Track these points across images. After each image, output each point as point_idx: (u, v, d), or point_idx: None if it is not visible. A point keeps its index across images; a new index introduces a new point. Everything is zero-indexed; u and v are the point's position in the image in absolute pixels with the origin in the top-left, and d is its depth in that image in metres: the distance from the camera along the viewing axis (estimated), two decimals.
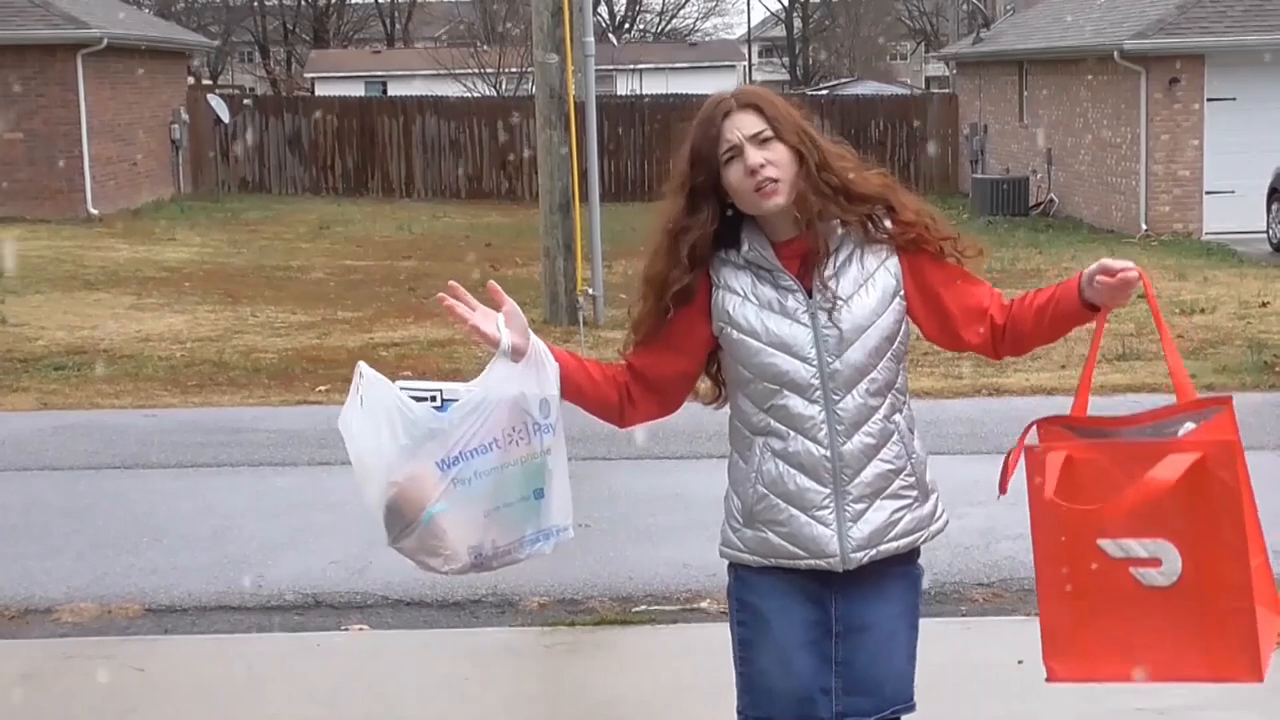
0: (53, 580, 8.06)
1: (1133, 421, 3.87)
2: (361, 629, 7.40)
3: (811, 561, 3.76)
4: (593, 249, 17.63)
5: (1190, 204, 26.35)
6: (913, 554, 3.91)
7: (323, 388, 13.68)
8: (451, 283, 3.74)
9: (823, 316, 3.71)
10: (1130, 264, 3.69)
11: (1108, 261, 3.74)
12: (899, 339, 3.81)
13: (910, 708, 3.90)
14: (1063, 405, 13.35)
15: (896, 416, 3.81)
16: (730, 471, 3.90)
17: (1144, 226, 26.37)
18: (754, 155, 3.66)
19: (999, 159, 34.66)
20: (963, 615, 7.46)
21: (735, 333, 3.76)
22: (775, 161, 3.67)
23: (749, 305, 3.75)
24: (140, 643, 7.18)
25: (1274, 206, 24.02)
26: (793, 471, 3.75)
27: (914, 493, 3.85)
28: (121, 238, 26.59)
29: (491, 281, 3.80)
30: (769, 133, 3.69)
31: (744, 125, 3.70)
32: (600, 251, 17.71)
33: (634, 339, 3.91)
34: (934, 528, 3.94)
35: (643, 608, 7.56)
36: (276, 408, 12.91)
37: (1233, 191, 25.53)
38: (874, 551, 3.77)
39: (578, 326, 16.04)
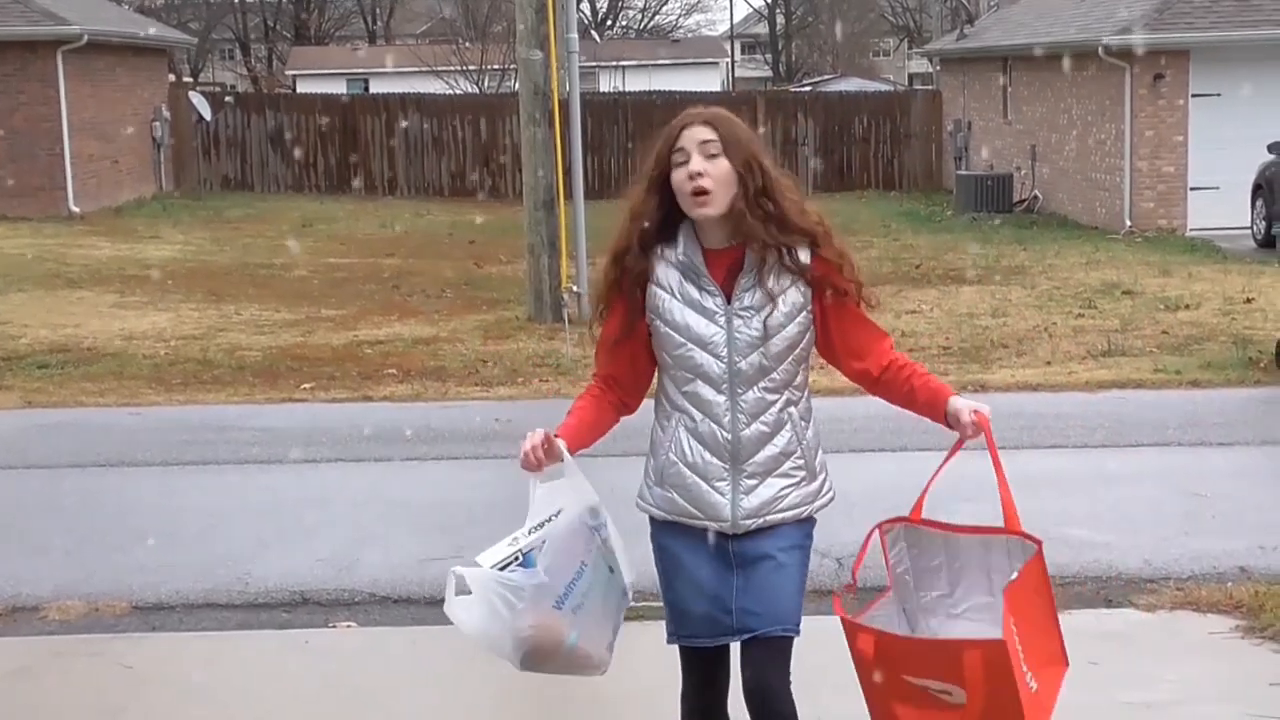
0: (40, 578, 8.05)
1: (962, 530, 4.57)
2: (349, 626, 7.39)
3: (706, 523, 4.36)
4: (577, 246, 17.63)
5: (1175, 200, 26.39)
6: (804, 521, 4.43)
7: (307, 385, 13.68)
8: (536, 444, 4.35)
9: (737, 321, 4.27)
10: (974, 420, 4.40)
11: (961, 414, 4.40)
12: (801, 346, 4.35)
13: (795, 632, 4.37)
14: (1048, 401, 13.30)
15: (791, 409, 4.37)
16: (652, 436, 4.47)
17: (1128, 222, 26.41)
18: (696, 162, 4.22)
19: (983, 156, 34.69)
20: None
21: (662, 325, 4.33)
22: (713, 175, 4.22)
23: (675, 301, 4.31)
24: (128, 640, 7.16)
25: (1258, 202, 24.07)
26: (699, 447, 4.34)
27: (801, 473, 4.39)
28: (104, 236, 26.55)
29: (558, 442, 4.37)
30: (717, 148, 4.24)
31: (697, 134, 4.27)
32: (585, 248, 17.71)
33: (600, 316, 4.48)
34: (819, 502, 4.46)
35: (631, 604, 7.55)
36: (261, 405, 12.90)
37: (1217, 188, 25.58)
38: (761, 520, 4.34)
39: (562, 324, 16.03)
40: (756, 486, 4.34)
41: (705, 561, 4.39)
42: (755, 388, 4.30)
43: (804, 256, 4.30)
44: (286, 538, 8.89)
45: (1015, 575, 4.24)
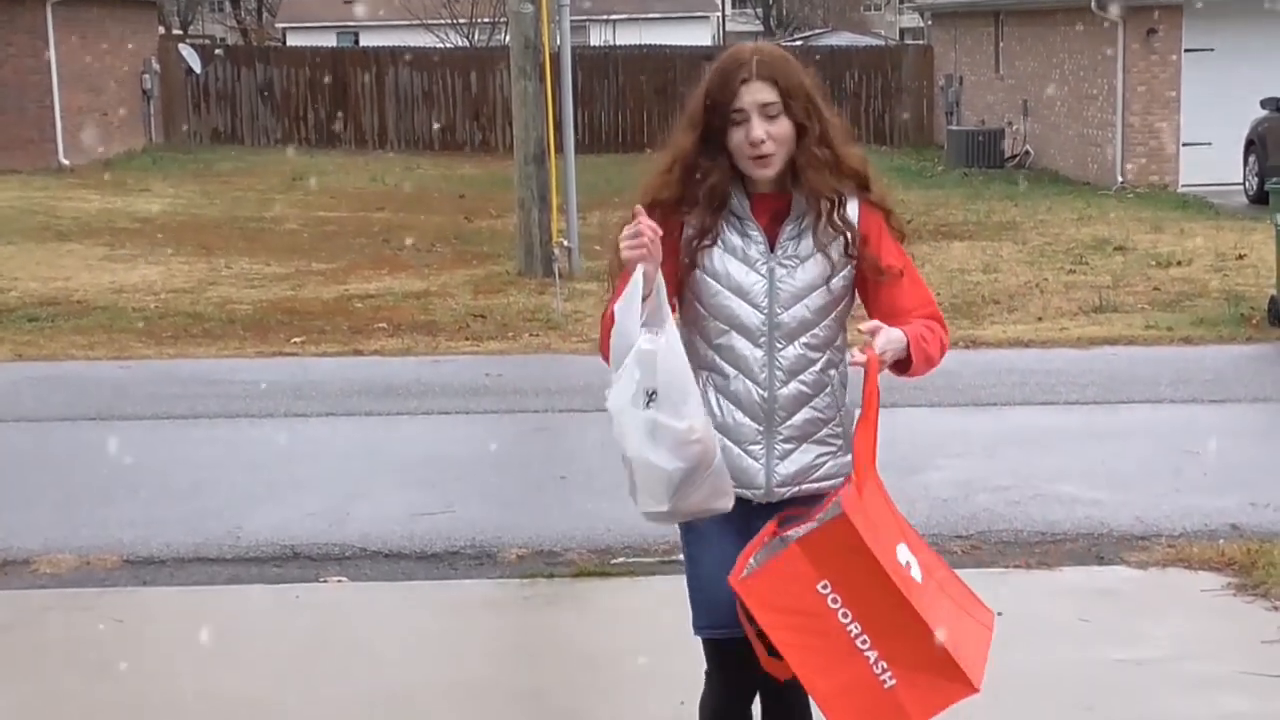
0: (30, 532, 8.03)
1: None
2: (340, 581, 7.39)
3: (739, 490, 3.96)
4: (567, 200, 17.58)
5: (1167, 156, 26.34)
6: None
7: (298, 339, 13.65)
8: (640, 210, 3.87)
9: (780, 271, 4.01)
10: (869, 347, 3.79)
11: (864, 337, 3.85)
12: (843, 303, 4.09)
13: None
14: (1039, 357, 13.31)
15: (832, 371, 4.08)
16: None
17: (1120, 179, 26.36)
18: (758, 129, 3.93)
19: (974, 111, 34.62)
20: None
21: (698, 271, 4.03)
22: (777, 136, 3.95)
23: (715, 248, 4.02)
24: (118, 594, 7.15)
25: (1250, 159, 24.03)
26: (731, 407, 4.05)
27: (839, 441, 4.12)
28: (93, 188, 26.45)
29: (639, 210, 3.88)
30: (778, 109, 3.95)
31: (758, 95, 3.95)
32: (575, 203, 17.67)
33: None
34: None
35: (621, 559, 7.56)
36: (252, 359, 12.87)
37: (1210, 144, 25.52)
38: (796, 489, 4.06)
39: (553, 278, 15.99)
40: (792, 451, 4.06)
41: (735, 540, 3.96)
42: (796, 343, 4.02)
43: (852, 208, 4.04)
44: (277, 492, 8.87)
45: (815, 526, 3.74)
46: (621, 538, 7.78)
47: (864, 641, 3.66)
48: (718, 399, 4.06)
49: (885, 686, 3.66)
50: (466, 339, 13.74)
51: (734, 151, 3.99)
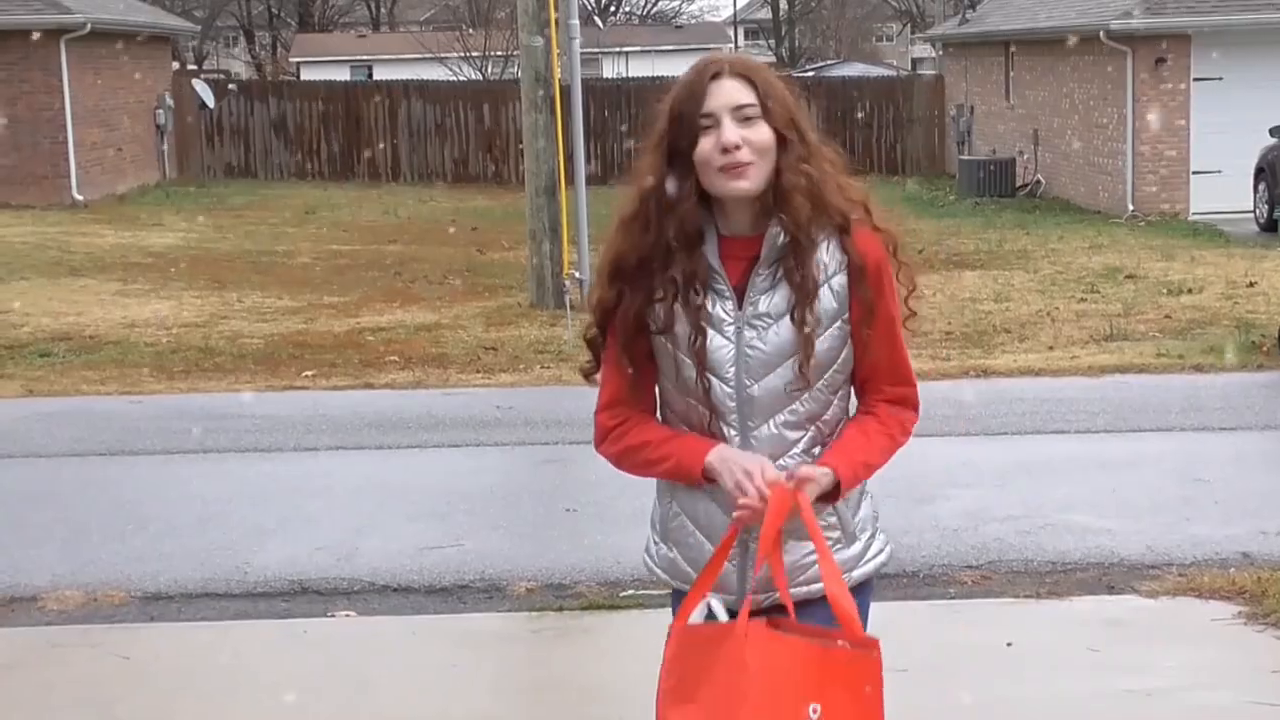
0: (38, 568, 8.03)
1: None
2: (349, 615, 7.38)
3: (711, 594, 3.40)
4: (579, 232, 17.59)
5: (1177, 184, 26.32)
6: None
7: (309, 373, 13.65)
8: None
9: (749, 333, 3.34)
10: (763, 492, 3.25)
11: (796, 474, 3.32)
12: (834, 368, 3.40)
13: None
14: (1050, 386, 13.29)
15: (818, 450, 3.40)
16: (659, 481, 3.57)
17: (1131, 207, 26.35)
18: (730, 132, 3.26)
19: (985, 140, 34.63)
20: (951, 598, 7.44)
21: (664, 340, 3.40)
22: (754, 143, 3.27)
23: (677, 305, 3.36)
24: (126, 630, 7.15)
25: (1260, 186, 24.01)
26: (705, 497, 3.42)
27: (835, 533, 3.45)
28: (107, 224, 26.51)
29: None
30: (755, 110, 3.28)
31: (730, 94, 3.30)
32: (586, 235, 17.67)
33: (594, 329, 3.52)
34: (861, 570, 3.51)
35: (630, 592, 7.54)
36: (263, 393, 12.88)
37: (1220, 171, 25.51)
38: (775, 595, 3.36)
39: (564, 310, 16.00)
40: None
41: None
42: (771, 422, 3.36)
43: (841, 250, 3.35)
44: (286, 526, 8.87)
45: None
46: (631, 570, 7.76)
47: None
48: (692, 488, 3.44)
49: None
50: (477, 371, 13.74)
51: (700, 167, 3.28)
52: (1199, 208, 25.88)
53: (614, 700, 6.13)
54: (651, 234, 3.36)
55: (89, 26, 28.91)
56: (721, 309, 3.34)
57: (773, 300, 3.33)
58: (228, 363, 14.24)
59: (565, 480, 10.10)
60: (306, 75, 57.58)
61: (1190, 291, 17.39)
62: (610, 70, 57.39)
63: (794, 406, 3.37)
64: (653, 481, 3.58)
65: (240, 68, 69.88)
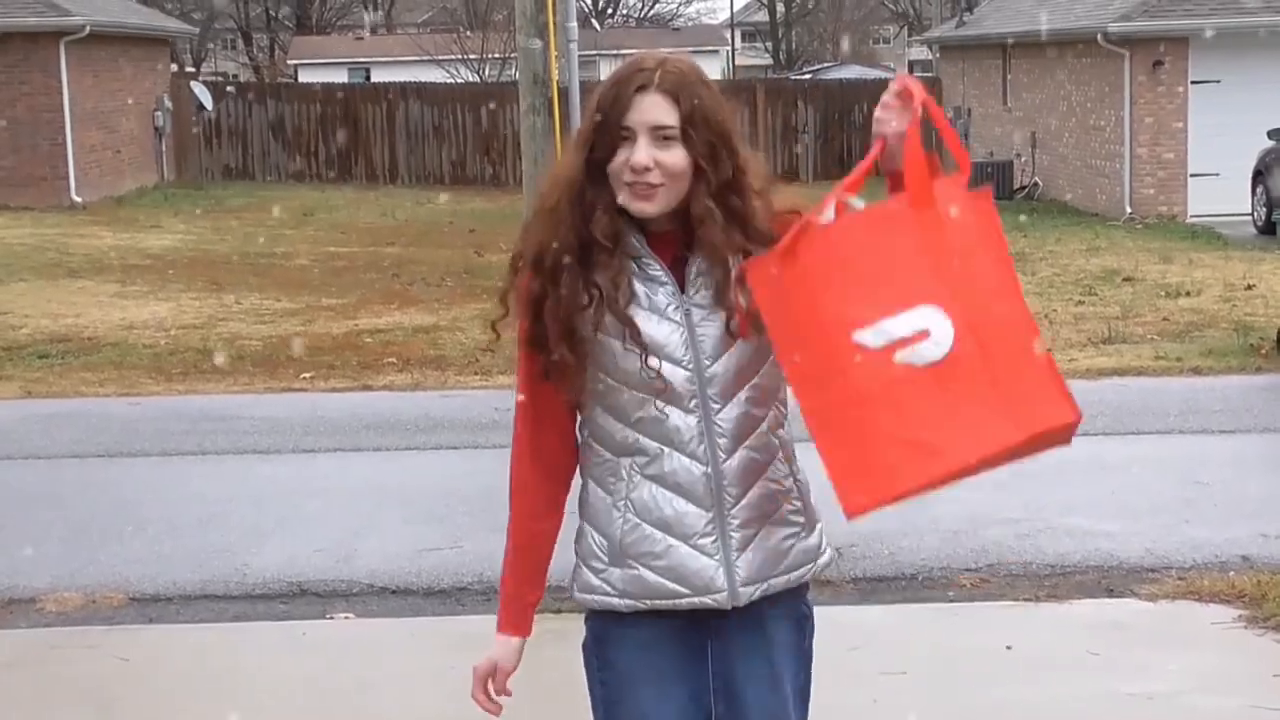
0: (36, 570, 8.02)
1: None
2: (347, 617, 7.38)
3: (695, 600, 3.25)
4: None
5: (1175, 187, 26.34)
6: (801, 589, 3.39)
7: (307, 375, 13.65)
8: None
9: (697, 313, 3.21)
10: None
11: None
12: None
13: None
14: None
15: (780, 431, 3.31)
16: (583, 508, 3.37)
17: (1128, 209, 26.35)
18: (642, 154, 3.14)
19: (983, 142, 34.63)
20: (950, 601, 7.45)
21: (599, 335, 3.21)
22: (666, 166, 3.15)
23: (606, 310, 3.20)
24: (124, 632, 7.15)
25: (1258, 189, 24.02)
26: (668, 494, 3.23)
27: (801, 519, 3.34)
28: (105, 225, 26.49)
29: None
30: (674, 132, 3.15)
31: (651, 113, 3.16)
32: None
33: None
34: (821, 561, 3.40)
35: None
36: (261, 395, 12.88)
37: (1217, 174, 25.51)
38: (764, 585, 3.27)
39: None
40: (753, 538, 3.26)
41: (674, 686, 3.32)
42: (735, 400, 3.22)
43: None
44: (285, 528, 8.87)
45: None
46: None
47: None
48: (649, 487, 3.25)
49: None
50: (476, 373, 13.74)
51: (611, 177, 3.18)
52: (1197, 210, 25.89)
53: None
54: (574, 233, 3.24)
55: (88, 29, 28.90)
56: (664, 295, 3.22)
57: (708, 295, 3.22)
58: (226, 364, 14.21)
59: None
60: (304, 77, 57.57)
61: (1188, 294, 17.40)
62: (607, 72, 57.36)
63: (755, 381, 3.24)
64: None
65: (238, 70, 69.83)
